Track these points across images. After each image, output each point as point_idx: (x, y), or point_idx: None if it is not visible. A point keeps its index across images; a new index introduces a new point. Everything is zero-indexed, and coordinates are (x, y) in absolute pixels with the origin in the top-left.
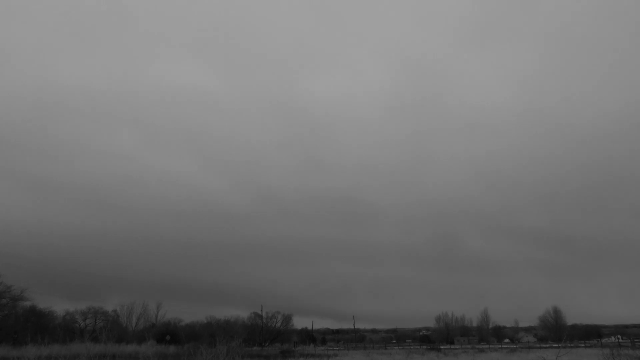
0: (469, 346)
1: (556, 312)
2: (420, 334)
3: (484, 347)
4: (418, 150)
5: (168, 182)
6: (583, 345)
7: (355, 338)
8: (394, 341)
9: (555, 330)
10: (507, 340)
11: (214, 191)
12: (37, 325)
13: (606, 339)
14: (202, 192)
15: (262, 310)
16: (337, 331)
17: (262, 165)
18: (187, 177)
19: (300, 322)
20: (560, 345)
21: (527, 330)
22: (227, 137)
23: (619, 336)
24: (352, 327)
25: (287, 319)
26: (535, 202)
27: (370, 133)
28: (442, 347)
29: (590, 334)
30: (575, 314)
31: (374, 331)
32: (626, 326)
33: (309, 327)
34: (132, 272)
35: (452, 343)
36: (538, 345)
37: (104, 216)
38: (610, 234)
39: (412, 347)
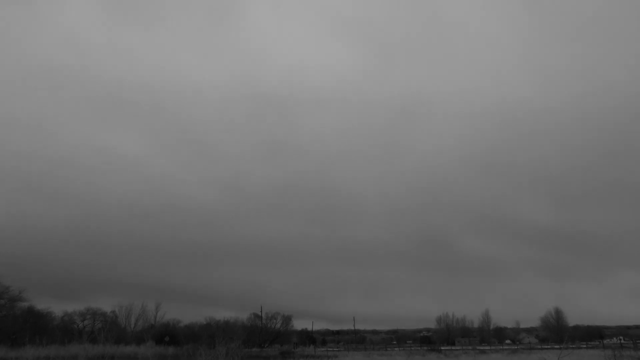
0: (470, 347)
1: (558, 313)
2: (421, 335)
3: (485, 348)
4: (398, 134)
5: (122, 169)
6: (585, 346)
7: (355, 339)
8: (395, 342)
9: (556, 331)
10: (508, 341)
11: (172, 179)
12: (36, 326)
13: (608, 340)
14: (162, 182)
15: (261, 311)
16: (337, 332)
17: (229, 153)
18: (144, 162)
19: (300, 324)
20: (561, 346)
21: (529, 331)
22: (185, 118)
23: (621, 337)
24: (352, 328)
25: (287, 320)
26: (533, 193)
27: (345, 115)
28: (442, 348)
29: (592, 335)
30: (577, 315)
31: (374, 332)
32: (628, 327)
33: (309, 328)
34: (124, 274)
35: (453, 344)
36: (539, 347)
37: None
38: (618, 229)
39: (412, 348)
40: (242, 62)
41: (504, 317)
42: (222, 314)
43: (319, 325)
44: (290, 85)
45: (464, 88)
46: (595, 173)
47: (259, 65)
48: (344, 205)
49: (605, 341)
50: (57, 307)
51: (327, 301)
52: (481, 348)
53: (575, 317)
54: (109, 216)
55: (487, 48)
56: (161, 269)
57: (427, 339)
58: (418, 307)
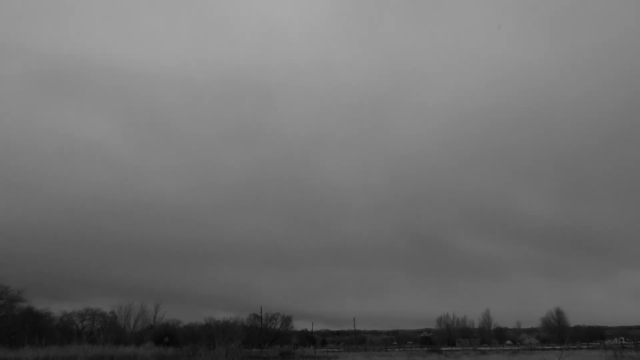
0: (471, 348)
1: (559, 314)
2: (422, 335)
3: (485, 349)
4: (376, 116)
5: (84, 155)
6: (586, 347)
7: (355, 340)
8: (395, 343)
9: (557, 331)
10: (509, 342)
11: (138, 168)
12: (35, 327)
13: (609, 340)
14: (130, 172)
15: (261, 312)
16: (337, 333)
17: (199, 140)
18: (108, 149)
19: (300, 324)
20: (562, 347)
21: (530, 332)
22: (148, 100)
23: (622, 338)
24: (352, 328)
25: (287, 320)
26: (532, 181)
27: (323, 96)
28: (443, 349)
29: (593, 335)
30: (579, 315)
31: (374, 333)
32: (629, 328)
33: (309, 329)
34: (123, 274)
35: (453, 345)
36: (540, 347)
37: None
38: (620, 227)
39: (413, 349)
40: (209, 37)
41: (504, 317)
42: (222, 315)
43: (318, 326)
44: (263, 63)
45: (455, 63)
46: (602, 160)
47: (228, 41)
48: (328, 199)
49: (606, 342)
50: (56, 308)
51: (326, 302)
52: (482, 349)
53: (576, 317)
54: (80, 210)
55: (484, 13)
56: (160, 269)
57: (427, 340)
58: (418, 308)
